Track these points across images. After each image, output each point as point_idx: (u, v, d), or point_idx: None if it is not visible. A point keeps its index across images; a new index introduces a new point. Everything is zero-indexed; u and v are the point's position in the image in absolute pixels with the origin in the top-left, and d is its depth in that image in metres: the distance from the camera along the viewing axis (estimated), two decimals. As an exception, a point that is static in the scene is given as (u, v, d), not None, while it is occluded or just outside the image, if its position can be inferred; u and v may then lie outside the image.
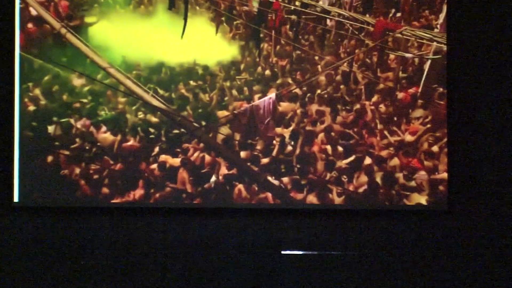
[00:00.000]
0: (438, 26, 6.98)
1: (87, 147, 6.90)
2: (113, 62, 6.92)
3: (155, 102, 6.96)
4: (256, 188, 6.95)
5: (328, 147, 6.97)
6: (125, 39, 6.98)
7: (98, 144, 6.90)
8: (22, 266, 6.79)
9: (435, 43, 6.96)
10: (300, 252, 6.99)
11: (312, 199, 6.94)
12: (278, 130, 7.00)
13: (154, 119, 6.95)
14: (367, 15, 7.00)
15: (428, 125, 6.94)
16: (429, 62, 6.97)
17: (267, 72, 7.08)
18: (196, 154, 6.94)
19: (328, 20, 7.06)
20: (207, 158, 6.95)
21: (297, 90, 7.06)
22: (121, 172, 6.87)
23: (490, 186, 6.96)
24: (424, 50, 6.99)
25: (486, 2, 7.01)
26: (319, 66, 7.03)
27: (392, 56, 7.02)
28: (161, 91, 6.97)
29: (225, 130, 7.03)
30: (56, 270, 6.81)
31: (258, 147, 6.99)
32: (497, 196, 6.97)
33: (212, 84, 7.00)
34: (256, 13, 7.05)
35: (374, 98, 7.00)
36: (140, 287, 6.86)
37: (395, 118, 6.96)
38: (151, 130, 6.95)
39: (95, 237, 6.87)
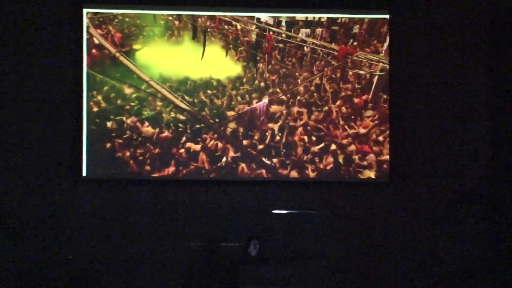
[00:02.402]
0: (383, 51, 8.40)
1: (134, 137, 8.23)
2: (153, 77, 8.26)
3: (183, 105, 8.27)
4: (254, 166, 8.31)
5: (305, 137, 8.34)
6: (161, 60, 8.27)
7: (142, 135, 8.24)
8: (90, 222, 8.16)
9: (381, 64, 8.38)
10: (286, 211, 8.33)
11: (294, 174, 8.34)
12: (270, 125, 8.35)
13: (182, 117, 8.27)
14: (333, 44, 8.39)
15: (376, 122, 8.36)
16: (376, 77, 8.37)
17: (262, 84, 8.37)
18: (212, 142, 8.28)
19: (305, 47, 8.38)
20: (220, 145, 8.28)
21: (283, 97, 8.38)
22: (158, 155, 8.23)
23: (420, 165, 8.45)
24: (373, 69, 8.38)
25: (417, 34, 8.50)
26: (298, 80, 8.38)
27: (350, 73, 8.39)
28: (187, 97, 8.28)
29: (232, 125, 8.34)
30: (113, 227, 8.17)
31: (256, 137, 8.33)
32: (425, 172, 8.45)
33: (223, 92, 8.32)
34: (254, 42, 8.37)
35: (338, 102, 8.38)
36: (173, 236, 8.15)
37: (353, 117, 8.37)
38: (180, 125, 8.26)
39: (140, 201, 8.25)
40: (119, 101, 8.30)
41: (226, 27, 8.35)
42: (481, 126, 8.59)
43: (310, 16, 8.40)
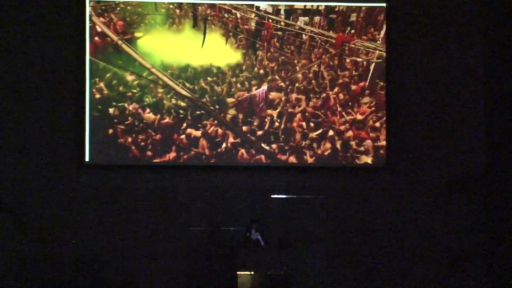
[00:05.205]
0: (380, 39, 8.55)
1: (136, 123, 8.35)
2: (154, 64, 8.38)
3: (184, 92, 8.41)
4: (254, 152, 8.46)
5: (304, 123, 8.48)
6: (162, 48, 8.40)
7: (144, 121, 8.37)
8: (92, 207, 8.27)
9: (377, 51, 8.53)
10: (284, 196, 8.47)
11: (292, 159, 8.48)
12: (269, 111, 8.48)
13: (183, 104, 8.40)
14: (331, 32, 8.54)
15: (373, 108, 8.51)
16: (373, 64, 8.52)
17: (261, 71, 8.51)
18: (212, 128, 8.42)
19: (303, 35, 8.52)
20: (220, 131, 8.43)
21: (282, 84, 8.52)
22: (160, 141, 8.36)
23: (416, 151, 8.57)
24: (370, 56, 8.53)
25: (413, 22, 8.62)
26: (297, 67, 8.52)
27: (348, 60, 8.53)
28: (187, 84, 8.41)
29: (232, 111, 8.48)
30: (115, 211, 8.26)
31: (255, 123, 8.48)
32: (421, 158, 8.58)
33: (223, 79, 8.45)
34: (254, 30, 8.51)
35: (335, 89, 8.53)
36: (174, 220, 8.27)
37: (350, 103, 8.51)
38: (181, 111, 8.39)
39: (141, 186, 8.36)
40: (121, 88, 8.43)
41: (226, 15, 8.48)
42: (477, 113, 8.67)
43: (309, 4, 8.55)
